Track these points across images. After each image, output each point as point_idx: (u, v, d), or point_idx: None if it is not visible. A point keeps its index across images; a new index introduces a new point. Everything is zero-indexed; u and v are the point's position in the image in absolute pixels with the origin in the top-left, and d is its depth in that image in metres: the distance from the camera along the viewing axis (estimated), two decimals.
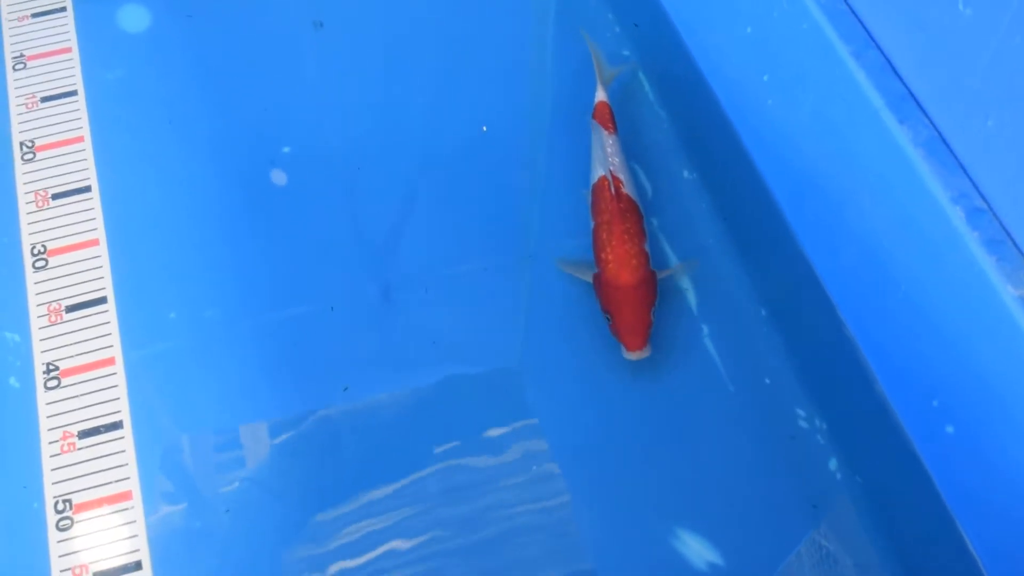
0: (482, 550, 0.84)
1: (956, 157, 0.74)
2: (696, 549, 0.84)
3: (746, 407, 0.90)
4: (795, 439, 0.88)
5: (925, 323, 0.78)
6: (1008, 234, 0.71)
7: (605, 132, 0.99)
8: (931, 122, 0.76)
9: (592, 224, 0.94)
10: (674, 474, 0.87)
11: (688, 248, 0.98)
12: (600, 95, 1.03)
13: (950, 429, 0.77)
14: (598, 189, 0.95)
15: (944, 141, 0.75)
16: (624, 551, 0.84)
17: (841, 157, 0.84)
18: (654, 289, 0.90)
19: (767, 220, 0.95)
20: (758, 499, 0.86)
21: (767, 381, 0.92)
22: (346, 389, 0.91)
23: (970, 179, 0.74)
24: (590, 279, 0.93)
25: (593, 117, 1.01)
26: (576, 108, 1.07)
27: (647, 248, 0.92)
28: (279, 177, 1.02)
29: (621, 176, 0.95)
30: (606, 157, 0.97)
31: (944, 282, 0.75)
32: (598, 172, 0.96)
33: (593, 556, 0.84)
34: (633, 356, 0.88)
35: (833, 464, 0.87)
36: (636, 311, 0.88)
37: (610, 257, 0.90)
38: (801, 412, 0.90)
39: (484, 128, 1.06)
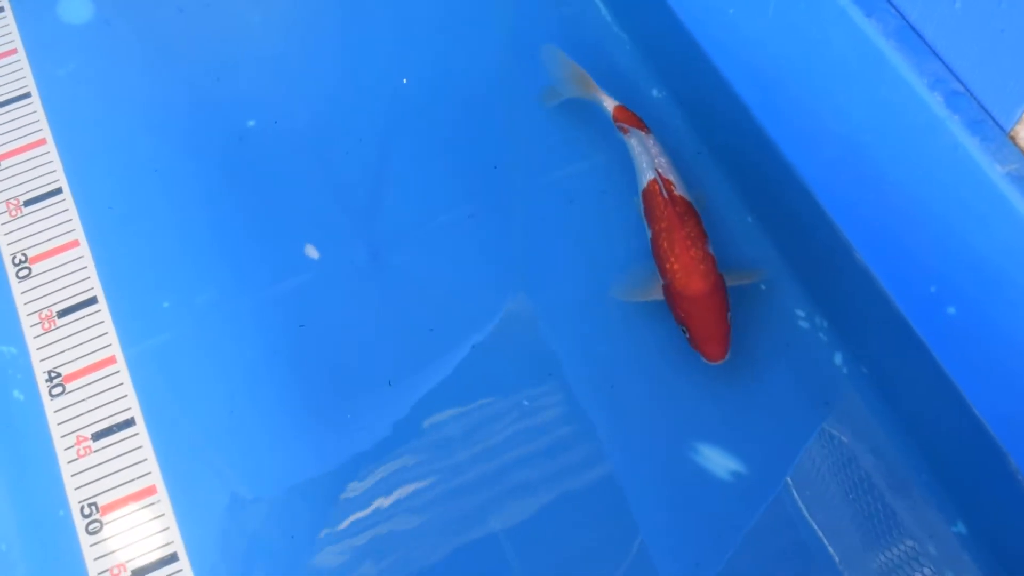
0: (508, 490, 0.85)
1: (928, 44, 0.75)
2: (718, 461, 0.85)
3: (745, 316, 0.91)
4: (798, 340, 0.90)
5: (914, 212, 0.79)
6: (988, 113, 0.72)
7: (641, 134, 0.94)
8: (898, 11, 0.76)
9: (648, 232, 0.91)
10: (685, 392, 0.89)
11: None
12: (608, 102, 0.97)
13: (951, 310, 0.79)
14: (649, 195, 0.91)
15: (914, 29, 0.76)
16: (649, 474, 0.86)
17: (811, 59, 0.84)
18: (726, 292, 0.87)
19: (743, 129, 0.95)
20: (771, 403, 0.88)
21: (762, 287, 0.93)
22: (389, 381, 0.90)
23: (944, 63, 0.74)
24: (659, 295, 0.89)
25: (618, 122, 0.96)
26: (533, 40, 1.06)
27: (711, 250, 0.88)
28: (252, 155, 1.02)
29: (671, 177, 0.91)
30: (651, 159, 0.92)
31: (929, 169, 0.76)
32: (646, 176, 0.92)
33: (617, 486, 0.85)
34: (715, 363, 0.86)
35: (838, 359, 0.89)
36: (713, 319, 0.85)
37: (676, 266, 0.86)
38: (800, 313, 0.91)
39: (404, 80, 1.05)
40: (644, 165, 0.92)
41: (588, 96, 0.98)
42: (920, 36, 0.75)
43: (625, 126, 0.95)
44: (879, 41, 0.76)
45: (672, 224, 0.88)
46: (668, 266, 0.87)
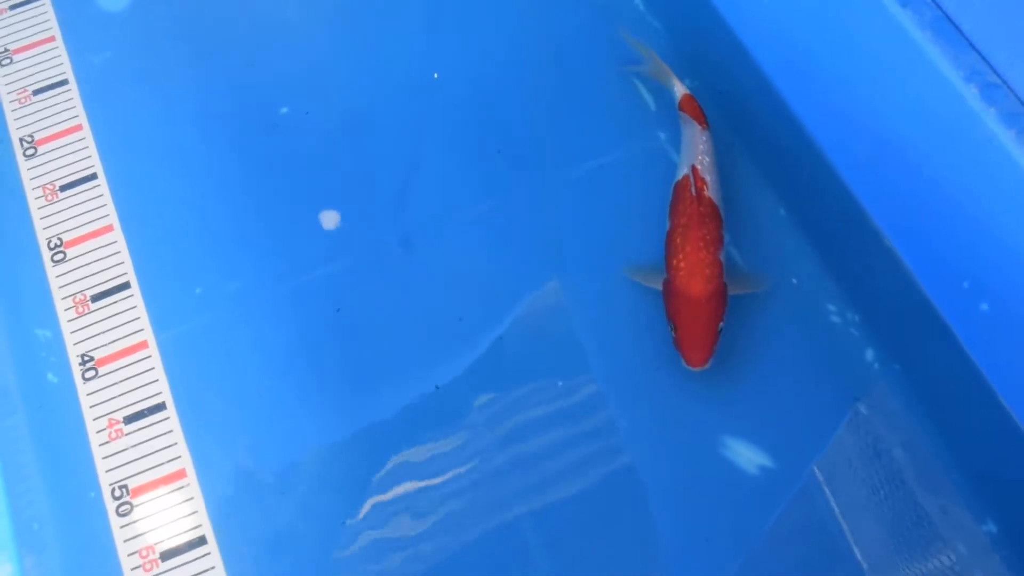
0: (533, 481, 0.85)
1: (964, 35, 0.74)
2: (745, 455, 0.85)
3: (777, 309, 0.90)
4: (830, 334, 0.89)
5: (949, 205, 0.78)
6: None
7: (698, 128, 0.93)
8: (934, 2, 0.75)
9: (668, 224, 0.90)
10: (714, 386, 0.88)
11: None
12: (679, 88, 0.97)
13: (984, 307, 0.78)
14: (679, 188, 0.90)
15: (950, 20, 0.74)
16: (674, 466, 0.85)
17: (846, 49, 0.83)
18: (724, 302, 0.85)
19: (777, 119, 0.95)
20: (800, 399, 0.87)
21: (794, 281, 0.92)
22: (437, 386, 0.90)
23: (981, 55, 0.73)
24: (659, 286, 0.88)
25: (682, 110, 0.95)
26: (580, 35, 1.06)
27: (722, 257, 0.87)
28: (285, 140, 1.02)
29: (707, 177, 0.90)
30: (694, 154, 0.91)
31: (964, 162, 0.75)
32: (683, 170, 0.91)
33: (643, 476, 0.85)
34: (694, 370, 0.85)
35: (870, 354, 0.88)
36: (703, 325, 0.84)
37: (682, 264, 0.86)
38: (832, 307, 0.90)
39: (436, 75, 1.05)
40: (687, 158, 0.92)
41: (661, 77, 0.98)
42: (956, 27, 0.74)
43: (686, 116, 0.94)
44: (914, 32, 0.75)
45: (692, 222, 0.87)
46: (675, 262, 0.87)
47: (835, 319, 0.90)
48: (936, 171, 0.78)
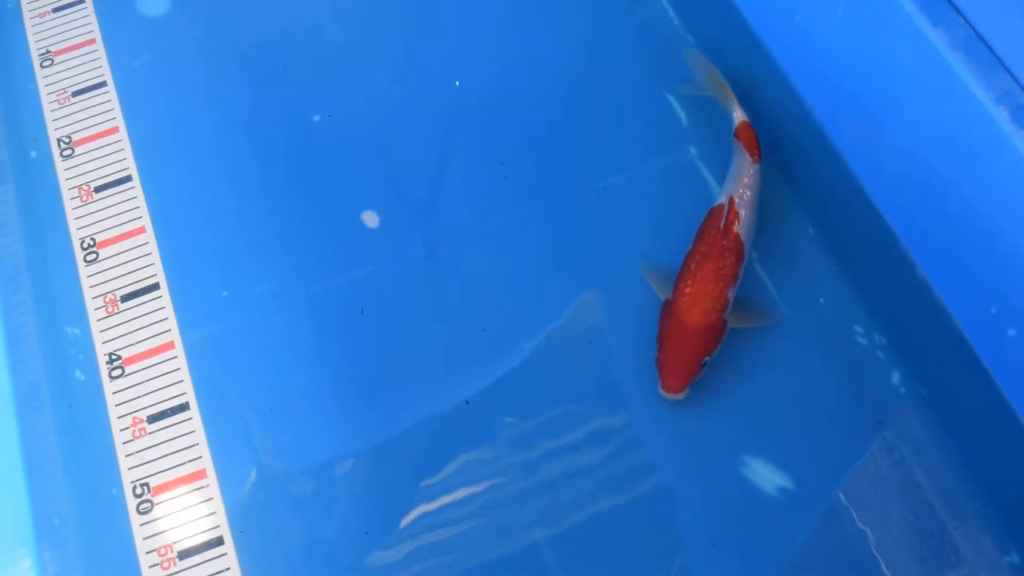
0: (550, 496, 0.85)
1: (996, 55, 0.73)
2: (766, 476, 0.84)
3: (803, 328, 0.90)
4: (855, 356, 0.88)
5: (977, 229, 0.76)
6: None
7: (749, 159, 0.92)
8: (967, 22, 0.74)
9: (690, 246, 0.90)
10: (736, 404, 0.87)
11: (726, 171, 0.96)
12: (738, 114, 0.95)
13: (1012, 332, 0.76)
14: (711, 215, 0.90)
15: (982, 40, 0.73)
16: (698, 488, 0.85)
17: (877, 67, 0.82)
18: (717, 339, 0.85)
19: (806, 137, 0.93)
20: (823, 420, 0.86)
21: (821, 300, 0.91)
22: (467, 401, 0.89)
23: (1012, 76, 0.72)
24: (663, 297, 0.89)
25: (736, 138, 0.94)
26: (613, 48, 1.06)
27: (731, 295, 0.87)
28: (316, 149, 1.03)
29: (742, 212, 0.89)
30: (737, 186, 0.90)
31: (994, 186, 0.73)
32: (721, 198, 0.91)
33: (664, 494, 0.85)
34: (667, 396, 0.85)
35: (896, 378, 0.87)
36: (686, 355, 0.84)
37: (688, 291, 0.86)
38: (859, 328, 0.89)
39: (457, 83, 1.05)
40: (728, 187, 0.91)
41: (722, 101, 0.97)
42: (989, 47, 0.73)
43: (739, 145, 0.93)
44: (946, 52, 0.74)
45: (711, 252, 0.87)
46: (682, 285, 0.87)
47: (861, 341, 0.89)
48: (965, 194, 0.76)
